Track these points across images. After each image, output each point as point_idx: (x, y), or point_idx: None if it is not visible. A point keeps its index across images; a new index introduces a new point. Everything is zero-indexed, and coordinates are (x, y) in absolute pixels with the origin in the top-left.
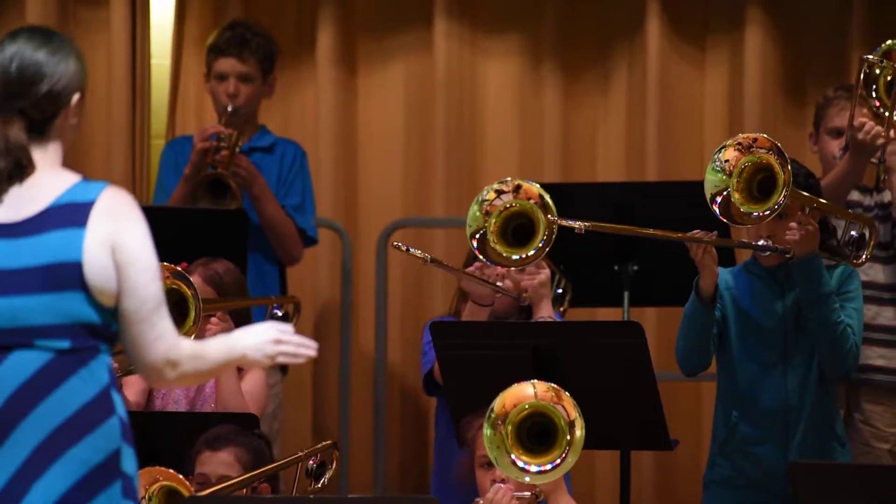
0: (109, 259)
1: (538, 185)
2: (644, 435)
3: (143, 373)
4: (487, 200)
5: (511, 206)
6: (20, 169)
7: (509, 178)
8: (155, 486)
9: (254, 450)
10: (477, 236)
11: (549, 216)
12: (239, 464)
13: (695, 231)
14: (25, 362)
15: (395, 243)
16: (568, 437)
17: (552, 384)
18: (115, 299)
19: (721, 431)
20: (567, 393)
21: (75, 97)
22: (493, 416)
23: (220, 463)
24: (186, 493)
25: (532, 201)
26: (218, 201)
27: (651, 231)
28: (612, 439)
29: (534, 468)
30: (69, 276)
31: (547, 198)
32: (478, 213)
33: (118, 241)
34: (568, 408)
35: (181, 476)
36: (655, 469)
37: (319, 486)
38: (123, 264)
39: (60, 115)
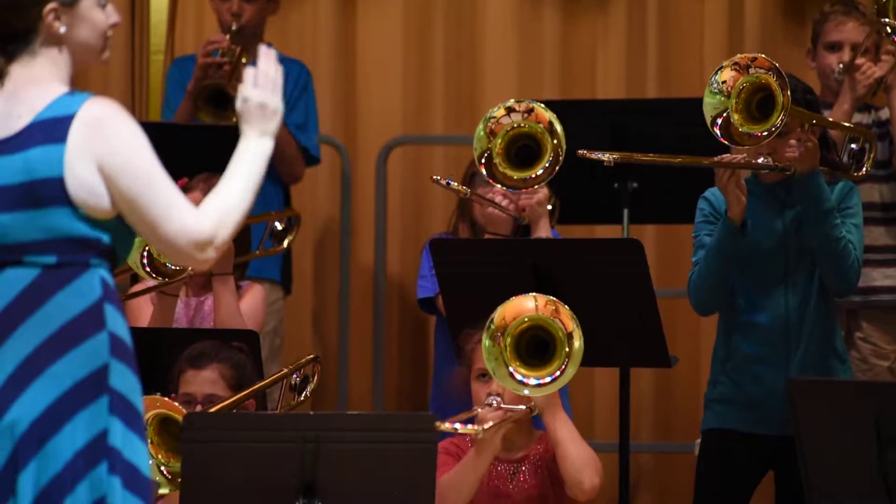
0: (94, 172)
1: (550, 112)
2: (643, 352)
3: (185, 265)
4: (495, 118)
5: (519, 125)
6: None
7: (524, 100)
8: (149, 415)
9: (236, 364)
10: (483, 159)
11: (561, 149)
12: (223, 380)
13: (722, 155)
14: (16, 279)
15: (435, 177)
16: (567, 349)
17: (551, 297)
18: (107, 212)
19: (722, 350)
20: (566, 305)
21: (49, 5)
22: (492, 327)
23: (204, 381)
24: (181, 420)
25: (541, 125)
26: (219, 113)
27: (672, 158)
28: (611, 356)
29: (532, 381)
30: (51, 192)
31: (557, 125)
32: (482, 133)
33: (101, 152)
34: (565, 320)
35: (176, 403)
36: (655, 386)
37: (302, 399)
38: (113, 175)
39: (39, 25)
